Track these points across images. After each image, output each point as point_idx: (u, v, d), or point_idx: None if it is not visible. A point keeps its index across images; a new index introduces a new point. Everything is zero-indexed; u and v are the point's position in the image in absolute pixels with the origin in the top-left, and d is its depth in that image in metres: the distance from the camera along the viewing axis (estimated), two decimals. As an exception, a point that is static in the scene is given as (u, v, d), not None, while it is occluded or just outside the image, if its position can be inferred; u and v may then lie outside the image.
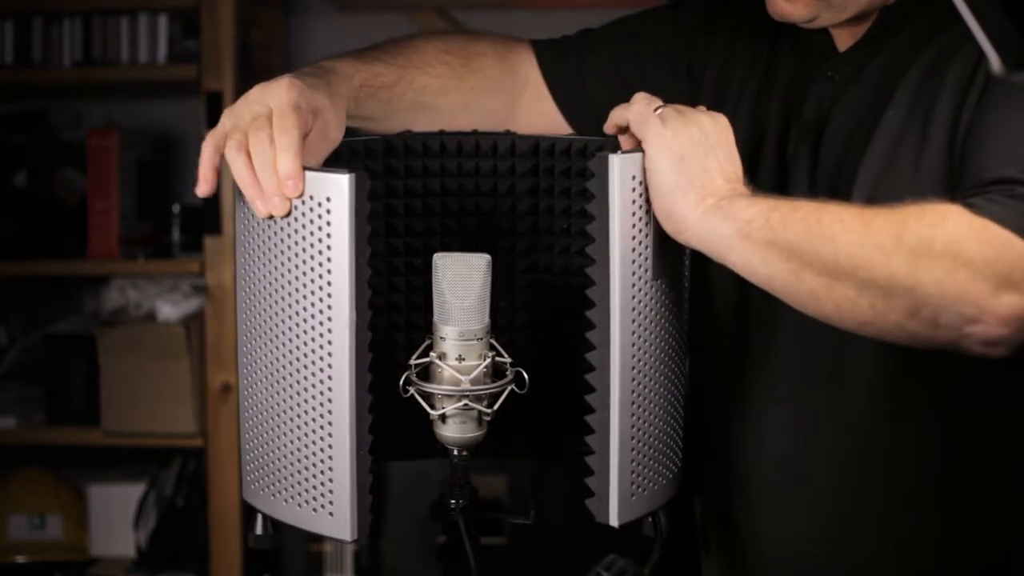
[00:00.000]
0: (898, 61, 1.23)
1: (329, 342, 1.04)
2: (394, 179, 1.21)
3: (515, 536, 2.39)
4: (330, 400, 1.05)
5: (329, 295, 1.04)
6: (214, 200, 2.62)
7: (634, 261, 1.07)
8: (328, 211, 1.03)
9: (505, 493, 2.48)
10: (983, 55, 1.08)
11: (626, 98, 1.40)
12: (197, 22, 2.69)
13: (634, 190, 1.07)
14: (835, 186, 1.22)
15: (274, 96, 1.09)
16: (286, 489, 1.08)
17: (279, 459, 1.09)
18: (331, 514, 1.06)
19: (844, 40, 1.28)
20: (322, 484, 1.06)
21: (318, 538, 2.67)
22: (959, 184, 1.13)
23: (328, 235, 1.04)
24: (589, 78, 1.42)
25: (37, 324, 3.01)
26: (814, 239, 1.05)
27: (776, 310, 1.23)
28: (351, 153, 1.19)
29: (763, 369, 1.29)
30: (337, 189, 1.03)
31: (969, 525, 1.26)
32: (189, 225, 2.87)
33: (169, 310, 2.79)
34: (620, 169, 1.06)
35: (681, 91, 1.38)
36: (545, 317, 1.23)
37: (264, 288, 1.08)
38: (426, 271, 1.13)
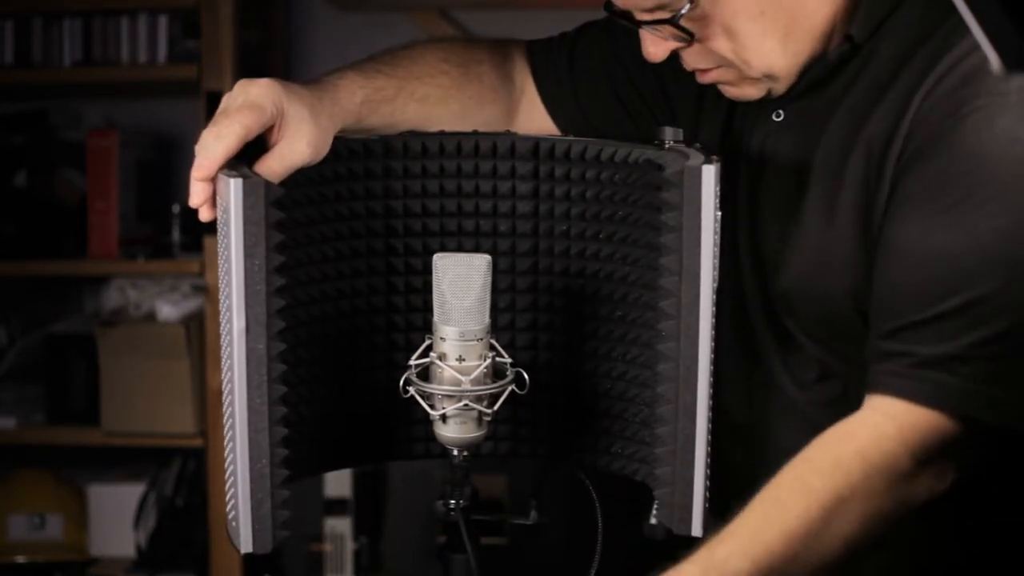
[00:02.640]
0: (826, 109, 1.20)
1: (230, 349, 1.03)
2: (393, 180, 1.21)
3: (515, 536, 2.39)
4: (232, 409, 1.04)
5: (228, 297, 1.03)
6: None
7: (714, 268, 1.06)
8: (225, 212, 1.03)
9: (505, 493, 2.48)
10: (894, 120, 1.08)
11: (613, 104, 1.39)
12: (197, 22, 2.69)
13: (716, 196, 1.06)
14: (780, 243, 1.22)
15: (242, 93, 1.09)
16: (229, 490, 1.09)
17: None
18: (233, 523, 1.06)
19: None
20: (231, 491, 1.06)
21: (318, 538, 2.68)
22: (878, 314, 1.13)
23: (225, 236, 1.03)
24: (580, 88, 1.40)
25: (37, 324, 3.01)
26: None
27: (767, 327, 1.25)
28: (349, 154, 1.19)
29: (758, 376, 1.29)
30: (229, 191, 1.01)
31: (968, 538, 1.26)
32: (189, 225, 2.87)
33: (169, 310, 2.79)
34: (713, 177, 1.05)
35: (664, 100, 1.36)
36: (545, 318, 1.23)
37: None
38: (426, 272, 1.13)
